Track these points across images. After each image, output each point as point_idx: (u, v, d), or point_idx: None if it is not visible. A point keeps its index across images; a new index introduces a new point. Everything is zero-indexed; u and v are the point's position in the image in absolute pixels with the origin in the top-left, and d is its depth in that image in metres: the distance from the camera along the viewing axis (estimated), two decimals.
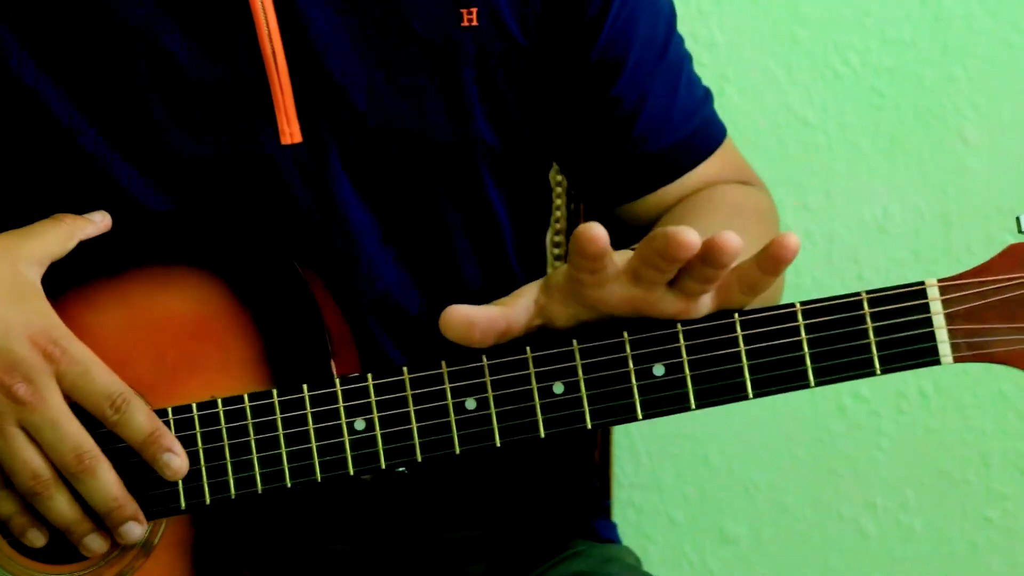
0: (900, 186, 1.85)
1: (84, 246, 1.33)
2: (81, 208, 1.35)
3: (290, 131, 1.39)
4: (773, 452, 1.88)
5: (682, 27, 1.52)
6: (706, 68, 1.71)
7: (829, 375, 1.21)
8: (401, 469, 1.28)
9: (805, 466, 1.90)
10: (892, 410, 1.86)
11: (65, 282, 1.31)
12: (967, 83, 1.84)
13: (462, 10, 1.40)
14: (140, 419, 1.25)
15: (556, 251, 1.73)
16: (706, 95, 1.53)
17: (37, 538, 1.27)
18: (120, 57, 1.37)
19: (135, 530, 1.26)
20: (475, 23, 1.41)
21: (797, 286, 1.72)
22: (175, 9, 1.38)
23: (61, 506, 1.25)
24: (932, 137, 1.85)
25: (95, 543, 1.27)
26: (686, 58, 1.52)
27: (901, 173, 1.86)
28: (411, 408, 1.25)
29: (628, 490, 1.81)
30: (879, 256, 1.86)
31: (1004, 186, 1.83)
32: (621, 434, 1.82)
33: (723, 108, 1.57)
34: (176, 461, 1.25)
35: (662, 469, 1.86)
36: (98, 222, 1.34)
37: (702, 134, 1.51)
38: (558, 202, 1.65)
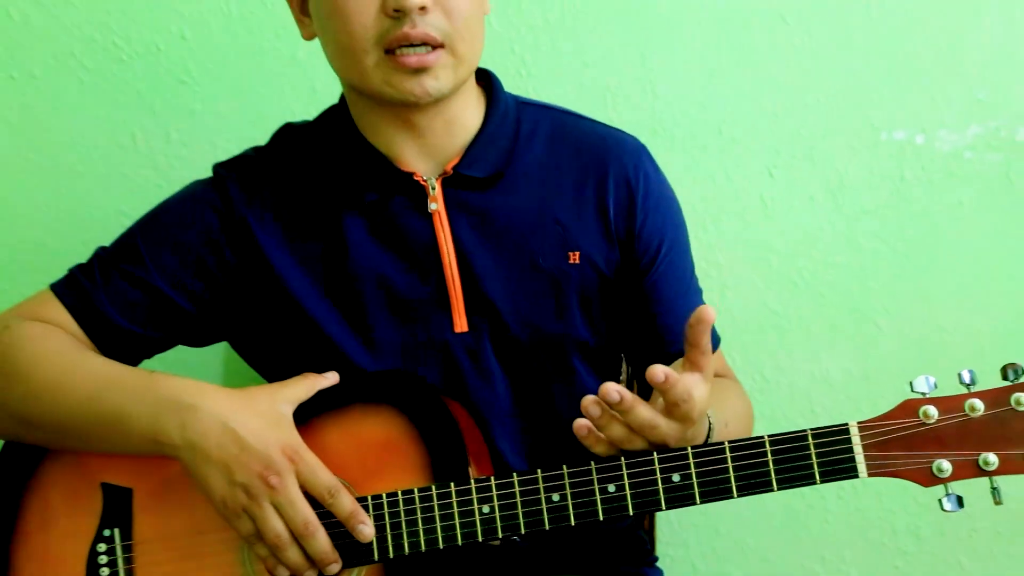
0: (837, 354, 1.77)
1: (321, 393, 1.28)
2: (320, 368, 1.31)
3: (460, 323, 1.33)
4: (759, 522, 1.78)
5: (697, 255, 1.46)
6: (712, 279, 1.65)
7: (786, 484, 1.15)
8: (515, 538, 1.22)
9: (779, 533, 1.79)
10: (834, 496, 1.75)
11: (309, 414, 1.26)
12: (879, 290, 1.75)
13: (570, 252, 1.34)
14: (346, 503, 1.21)
15: None
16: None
17: (284, 571, 1.22)
18: (358, 281, 1.34)
19: (336, 569, 1.22)
20: (577, 262, 1.35)
21: (772, 417, 1.66)
22: (393, 252, 1.34)
23: (294, 555, 1.21)
24: (857, 324, 1.76)
25: (311, 575, 1.23)
26: (699, 292, 1.45)
27: (837, 346, 1.77)
28: (518, 500, 1.20)
29: (666, 546, 1.73)
30: (825, 398, 1.77)
31: (904, 356, 1.75)
32: None
33: (724, 304, 1.51)
34: (367, 530, 1.21)
35: (688, 533, 1.77)
36: (331, 379, 1.29)
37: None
38: (622, 377, 1.53)
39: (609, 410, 1.14)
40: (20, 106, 1.62)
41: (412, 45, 1.25)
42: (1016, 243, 1.71)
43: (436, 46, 1.26)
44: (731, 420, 1.30)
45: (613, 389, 1.13)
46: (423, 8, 1.24)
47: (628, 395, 1.13)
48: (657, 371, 1.12)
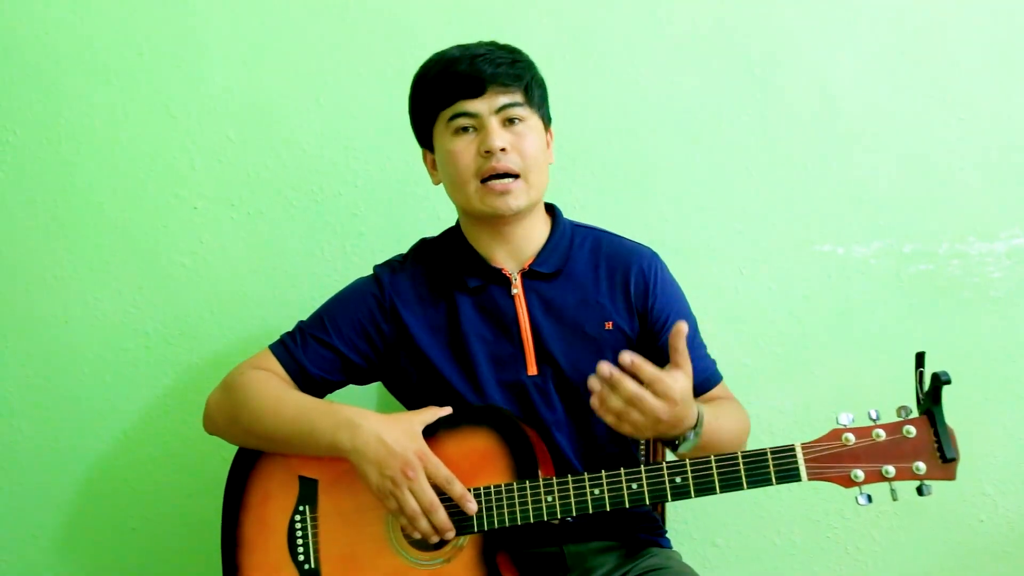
0: (787, 392, 1.67)
1: (441, 418, 1.26)
2: (442, 401, 1.30)
3: (531, 369, 1.31)
4: (735, 508, 1.69)
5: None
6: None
7: (752, 484, 1.13)
8: (569, 518, 1.21)
9: (749, 514, 1.69)
10: (786, 490, 1.63)
11: (433, 431, 1.25)
12: (815, 349, 1.66)
13: (606, 323, 1.32)
14: (457, 489, 1.21)
15: None
16: (708, 357, 1.39)
17: (417, 535, 1.22)
18: (467, 341, 1.32)
19: (451, 536, 1.21)
20: (611, 328, 1.32)
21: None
22: (489, 321, 1.32)
23: (424, 524, 1.21)
24: (800, 372, 1.67)
25: (435, 539, 1.22)
26: (703, 346, 1.39)
27: (787, 386, 1.67)
28: (571, 493, 1.19)
29: (672, 523, 1.64)
30: (778, 422, 1.67)
31: (830, 394, 1.66)
32: None
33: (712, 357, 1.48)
34: (472, 506, 1.21)
35: (687, 515, 1.69)
36: (447, 410, 1.27)
37: (713, 378, 1.37)
38: None
39: (607, 385, 1.10)
40: (261, 243, 1.66)
41: (498, 176, 1.26)
42: (904, 318, 1.66)
43: (514, 176, 1.27)
44: (722, 416, 1.27)
45: (605, 365, 1.09)
46: (504, 149, 1.26)
47: (616, 372, 1.09)
48: (624, 356, 1.08)
